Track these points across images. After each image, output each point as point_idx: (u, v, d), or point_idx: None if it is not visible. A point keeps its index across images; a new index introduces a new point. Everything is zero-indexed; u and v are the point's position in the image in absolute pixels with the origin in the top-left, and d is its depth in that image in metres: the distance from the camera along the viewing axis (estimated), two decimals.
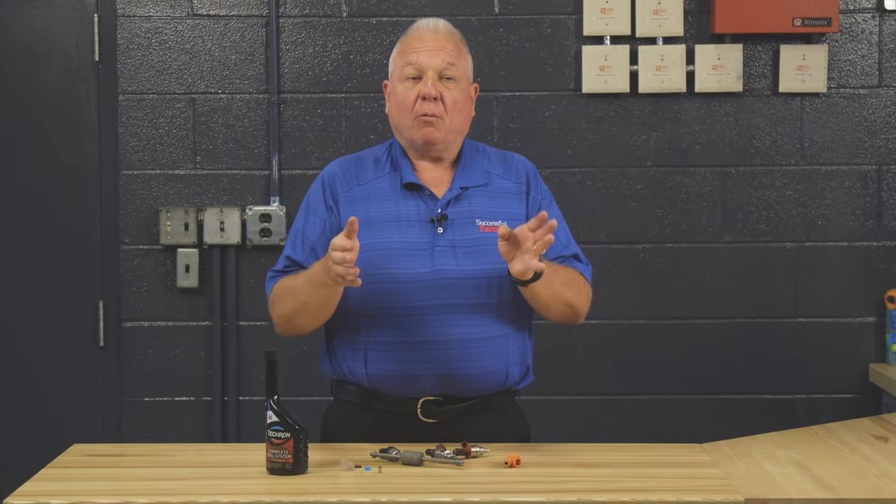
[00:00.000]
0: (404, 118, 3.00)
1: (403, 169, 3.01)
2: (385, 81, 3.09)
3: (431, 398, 2.94)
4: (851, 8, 4.52)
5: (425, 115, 2.96)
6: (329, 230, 2.99)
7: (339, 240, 2.74)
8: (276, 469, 2.69)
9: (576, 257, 3.07)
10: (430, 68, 2.97)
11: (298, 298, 2.92)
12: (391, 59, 3.07)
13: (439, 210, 2.97)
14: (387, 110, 3.08)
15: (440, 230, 2.95)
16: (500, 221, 2.97)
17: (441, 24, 3.05)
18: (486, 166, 3.06)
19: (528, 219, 3.01)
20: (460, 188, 3.00)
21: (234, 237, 4.55)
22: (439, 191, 3.00)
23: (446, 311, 2.90)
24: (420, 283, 2.90)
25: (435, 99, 2.96)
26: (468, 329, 2.90)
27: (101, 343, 4.64)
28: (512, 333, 2.97)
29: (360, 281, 2.76)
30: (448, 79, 2.98)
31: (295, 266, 3.01)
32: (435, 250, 2.94)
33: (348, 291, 2.94)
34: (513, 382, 3.02)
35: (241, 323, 4.58)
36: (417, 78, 2.99)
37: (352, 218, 2.75)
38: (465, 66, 3.04)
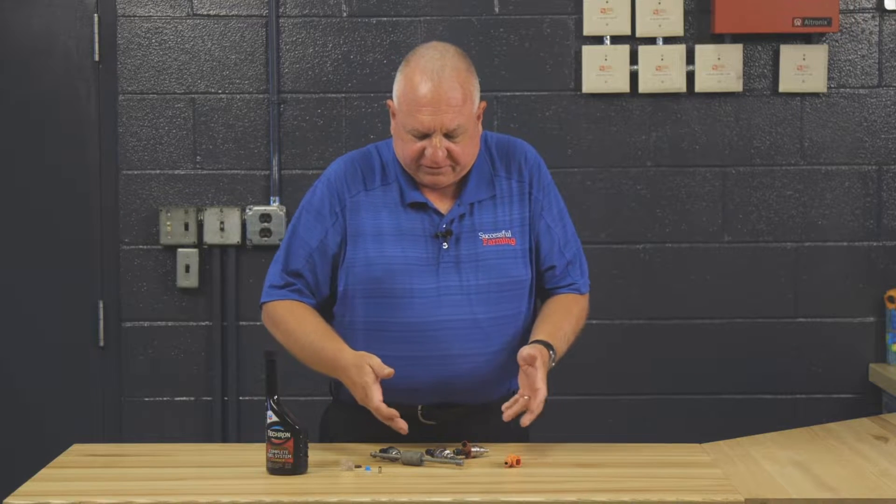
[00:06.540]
0: (408, 164, 2.91)
1: (406, 189, 2.95)
2: (389, 101, 2.95)
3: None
4: (851, 8, 4.52)
5: (431, 166, 2.88)
6: (330, 238, 2.95)
7: (385, 409, 2.79)
8: (276, 469, 2.69)
9: (572, 264, 3.03)
10: (435, 129, 2.84)
11: (299, 351, 2.95)
12: (395, 88, 2.90)
13: (444, 226, 2.94)
14: (391, 130, 2.96)
15: (445, 245, 2.93)
16: (503, 232, 2.95)
17: (447, 67, 2.85)
18: (489, 171, 2.99)
19: (531, 220, 2.99)
20: (468, 204, 2.95)
21: (234, 237, 4.54)
22: (444, 205, 2.95)
23: (450, 327, 2.89)
24: (425, 300, 2.89)
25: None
26: (471, 344, 2.88)
27: (101, 343, 4.64)
28: (515, 347, 2.93)
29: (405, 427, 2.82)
30: (455, 130, 2.85)
31: (297, 278, 2.97)
32: (440, 266, 2.91)
33: (351, 306, 2.94)
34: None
35: (241, 323, 4.58)
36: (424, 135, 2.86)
37: (389, 370, 2.79)
38: (472, 106, 2.87)
